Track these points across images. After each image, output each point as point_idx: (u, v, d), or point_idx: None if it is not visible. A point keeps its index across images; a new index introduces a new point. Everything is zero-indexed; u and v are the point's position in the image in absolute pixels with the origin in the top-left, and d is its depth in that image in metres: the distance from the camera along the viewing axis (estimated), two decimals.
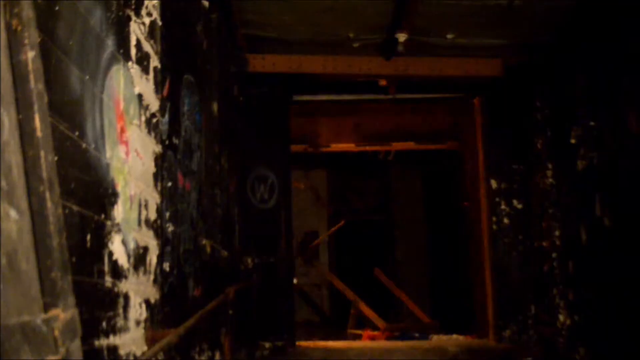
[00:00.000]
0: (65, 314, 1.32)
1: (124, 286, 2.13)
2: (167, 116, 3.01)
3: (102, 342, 1.92)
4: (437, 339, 7.38)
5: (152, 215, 2.51)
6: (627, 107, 4.37)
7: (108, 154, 2.01)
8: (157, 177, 2.60)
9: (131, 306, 2.21)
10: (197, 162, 3.86)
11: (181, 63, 3.47)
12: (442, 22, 5.41)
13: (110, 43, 2.08)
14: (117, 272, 2.07)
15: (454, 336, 7.59)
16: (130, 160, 2.24)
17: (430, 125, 8.12)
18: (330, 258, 10.50)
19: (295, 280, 7.91)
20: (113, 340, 2.01)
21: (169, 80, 3.06)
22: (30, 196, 1.29)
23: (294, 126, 7.27)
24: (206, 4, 4.36)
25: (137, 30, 2.39)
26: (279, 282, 6.50)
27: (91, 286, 1.86)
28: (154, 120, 2.59)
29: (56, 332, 1.28)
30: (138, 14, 2.42)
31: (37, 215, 1.30)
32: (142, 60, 2.45)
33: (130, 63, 2.30)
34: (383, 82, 6.79)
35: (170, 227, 3.04)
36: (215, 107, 4.61)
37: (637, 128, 4.22)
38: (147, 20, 2.54)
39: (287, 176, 6.88)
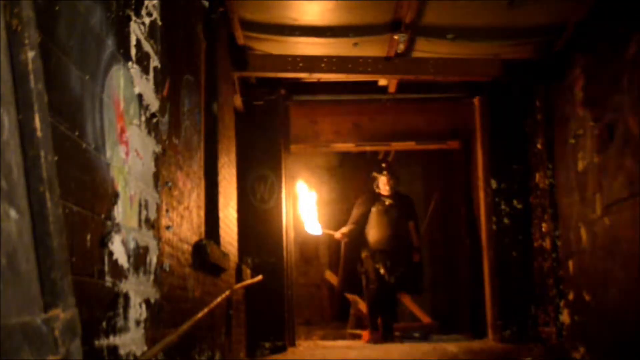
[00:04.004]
0: (65, 314, 1.32)
1: (124, 286, 2.13)
2: (167, 116, 3.01)
3: (102, 342, 1.92)
4: (437, 339, 7.38)
5: (152, 215, 2.51)
6: (627, 107, 4.37)
7: (108, 154, 2.01)
8: (157, 177, 2.60)
9: (131, 306, 2.20)
10: (197, 162, 3.86)
11: (181, 63, 3.47)
12: (442, 22, 5.41)
13: (110, 43, 2.08)
14: (117, 272, 2.07)
15: (454, 336, 7.59)
16: (130, 160, 2.24)
17: (430, 125, 8.11)
18: (330, 258, 10.49)
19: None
20: (113, 340, 2.01)
21: (169, 80, 3.06)
22: (30, 196, 1.29)
23: (294, 126, 7.28)
24: (206, 3, 4.37)
25: (137, 30, 2.39)
26: (279, 282, 6.50)
27: (91, 286, 1.86)
28: (154, 120, 2.59)
29: (56, 332, 1.28)
30: (138, 14, 2.42)
31: (37, 215, 1.30)
32: (142, 60, 2.45)
33: (130, 63, 2.29)
34: (383, 82, 6.79)
35: (170, 227, 3.05)
36: (215, 107, 4.61)
37: (637, 128, 4.22)
38: (147, 20, 2.53)
39: (287, 176, 6.88)
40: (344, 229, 7.66)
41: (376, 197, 7.61)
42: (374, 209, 7.52)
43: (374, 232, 7.48)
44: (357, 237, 7.61)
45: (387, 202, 7.54)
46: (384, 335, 7.23)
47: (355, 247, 7.72)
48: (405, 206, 7.67)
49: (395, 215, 7.51)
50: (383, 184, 7.58)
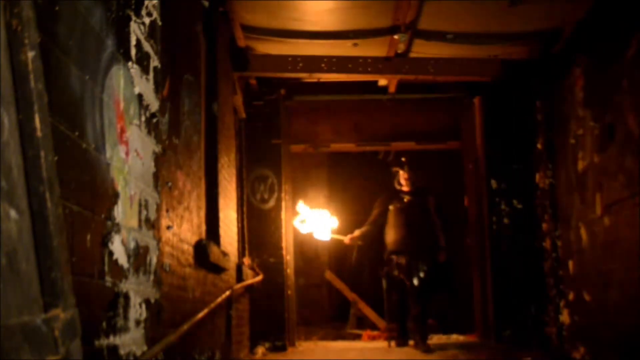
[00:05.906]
0: (65, 314, 1.32)
1: (124, 286, 2.13)
2: (167, 116, 3.01)
3: (102, 342, 1.92)
4: (437, 339, 7.37)
5: (152, 215, 2.51)
6: (627, 107, 4.37)
7: (108, 154, 2.01)
8: (157, 177, 2.60)
9: (131, 306, 2.20)
10: (197, 162, 3.86)
11: (181, 63, 3.47)
12: (442, 22, 5.41)
13: (110, 43, 2.08)
14: (117, 272, 2.07)
15: (454, 336, 7.58)
16: (130, 160, 2.24)
17: (430, 125, 8.12)
18: (330, 257, 10.49)
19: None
20: (113, 340, 2.01)
21: (169, 80, 3.06)
22: (30, 196, 1.29)
23: (294, 126, 7.28)
24: (206, 3, 4.36)
25: (137, 30, 2.39)
26: (279, 282, 6.50)
27: (91, 286, 1.86)
28: (154, 120, 2.59)
29: (56, 332, 1.28)
30: (138, 14, 2.42)
31: (37, 215, 1.30)
32: (142, 60, 2.45)
33: (130, 63, 2.29)
34: (383, 82, 6.79)
35: (170, 227, 3.04)
36: (215, 107, 4.61)
37: (637, 128, 4.22)
38: (147, 20, 2.53)
39: (287, 176, 6.88)
40: (356, 232, 7.12)
41: (394, 195, 7.04)
42: (391, 207, 6.96)
43: (391, 232, 6.94)
44: (376, 238, 7.09)
45: (406, 199, 6.97)
46: (404, 340, 6.78)
47: (371, 248, 7.33)
48: (428, 203, 7.02)
49: (415, 213, 6.90)
50: (404, 179, 6.94)
